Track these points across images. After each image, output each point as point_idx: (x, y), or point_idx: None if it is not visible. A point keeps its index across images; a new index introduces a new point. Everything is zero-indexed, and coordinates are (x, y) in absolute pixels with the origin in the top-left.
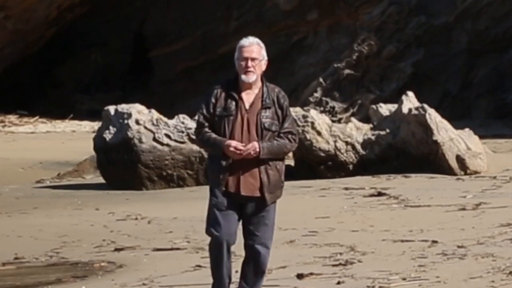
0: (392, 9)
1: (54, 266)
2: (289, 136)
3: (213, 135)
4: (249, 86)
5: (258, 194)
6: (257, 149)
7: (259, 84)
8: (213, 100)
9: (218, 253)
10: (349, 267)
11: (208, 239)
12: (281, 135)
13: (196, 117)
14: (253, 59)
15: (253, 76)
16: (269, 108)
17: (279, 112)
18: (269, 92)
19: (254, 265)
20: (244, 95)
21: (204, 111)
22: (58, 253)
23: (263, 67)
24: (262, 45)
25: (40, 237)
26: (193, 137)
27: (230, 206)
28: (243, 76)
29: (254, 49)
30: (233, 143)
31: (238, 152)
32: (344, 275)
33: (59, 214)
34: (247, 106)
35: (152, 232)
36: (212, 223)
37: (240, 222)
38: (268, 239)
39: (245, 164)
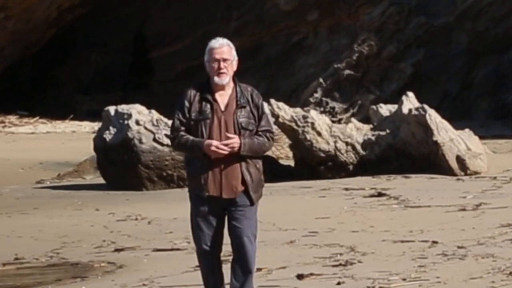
0: (392, 9)
1: (54, 267)
2: (267, 134)
3: (191, 138)
4: (222, 87)
5: (239, 195)
6: (238, 143)
7: (232, 84)
8: (187, 104)
9: (208, 264)
10: (349, 267)
11: None
12: (260, 133)
13: (171, 122)
14: (224, 60)
15: (226, 77)
16: (244, 107)
17: (255, 111)
18: (242, 92)
19: (241, 261)
20: (218, 96)
21: (180, 115)
22: (58, 254)
23: (235, 67)
24: (232, 45)
25: (40, 238)
26: None
27: (213, 213)
28: (216, 78)
29: (225, 50)
30: (214, 142)
31: (220, 151)
32: (344, 275)
33: (59, 214)
34: (222, 108)
35: (152, 232)
36: (197, 234)
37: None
38: (252, 233)
39: (226, 166)
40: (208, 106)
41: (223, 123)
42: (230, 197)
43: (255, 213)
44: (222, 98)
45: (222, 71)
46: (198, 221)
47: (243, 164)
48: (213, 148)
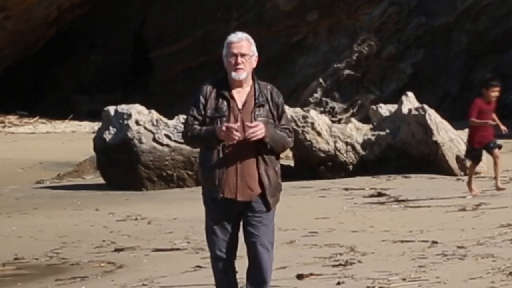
0: (392, 9)
1: (54, 267)
2: (287, 132)
3: (204, 128)
4: (240, 84)
5: (256, 199)
6: (263, 129)
7: (250, 81)
8: (202, 100)
9: (222, 269)
10: (349, 267)
11: None
12: (280, 130)
13: (185, 119)
14: (243, 55)
15: (243, 73)
16: (262, 106)
17: (274, 110)
18: (261, 90)
19: (256, 270)
20: (235, 93)
21: (194, 112)
22: (58, 254)
23: (254, 64)
24: (251, 40)
25: (40, 238)
26: None
27: (228, 217)
28: (233, 74)
29: (243, 44)
30: (225, 124)
31: (232, 134)
32: (344, 275)
33: (59, 214)
34: (239, 105)
35: (152, 232)
36: (211, 238)
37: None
38: (269, 241)
39: (242, 166)
40: (225, 103)
41: (240, 121)
42: (246, 200)
43: (272, 219)
44: (240, 95)
45: (239, 66)
46: (212, 226)
47: (262, 166)
48: (223, 128)
